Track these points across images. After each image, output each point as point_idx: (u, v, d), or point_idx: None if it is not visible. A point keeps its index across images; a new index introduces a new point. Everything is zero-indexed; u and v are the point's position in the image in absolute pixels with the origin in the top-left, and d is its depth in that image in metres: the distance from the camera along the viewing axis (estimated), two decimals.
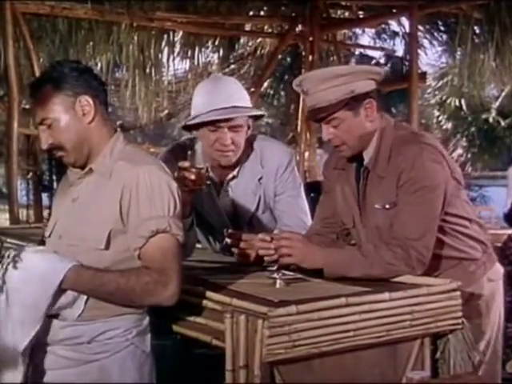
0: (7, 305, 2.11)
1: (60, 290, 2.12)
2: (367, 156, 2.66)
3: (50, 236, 2.35)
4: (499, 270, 2.85)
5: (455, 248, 2.65)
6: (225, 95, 2.88)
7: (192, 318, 2.30)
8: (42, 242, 2.41)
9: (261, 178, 3.00)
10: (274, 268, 2.47)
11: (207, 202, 2.99)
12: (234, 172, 3.00)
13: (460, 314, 2.39)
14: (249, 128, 2.96)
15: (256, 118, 3.03)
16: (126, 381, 2.22)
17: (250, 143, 3.00)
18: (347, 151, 2.66)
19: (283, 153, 3.07)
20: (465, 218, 2.68)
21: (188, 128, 2.99)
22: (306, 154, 8.22)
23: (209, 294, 2.26)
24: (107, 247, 2.19)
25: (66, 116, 2.25)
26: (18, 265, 2.11)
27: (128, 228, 2.19)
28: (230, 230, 2.82)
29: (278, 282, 2.35)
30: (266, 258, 2.62)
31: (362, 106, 2.59)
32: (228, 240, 2.81)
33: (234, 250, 2.78)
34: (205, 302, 2.26)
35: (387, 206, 2.58)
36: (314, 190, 3.18)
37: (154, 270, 2.14)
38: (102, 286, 2.13)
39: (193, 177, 2.65)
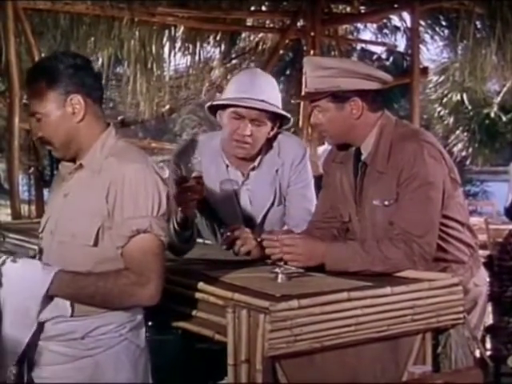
0: None
1: (47, 298, 2.14)
2: (365, 151, 2.67)
3: (42, 231, 2.36)
4: (484, 274, 2.88)
5: (446, 251, 2.66)
6: (258, 88, 2.95)
7: (194, 313, 2.30)
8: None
9: (277, 170, 3.04)
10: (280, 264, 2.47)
11: (223, 196, 3.02)
12: (255, 163, 3.04)
13: (462, 308, 2.39)
14: (272, 129, 3.01)
15: (282, 122, 3.06)
16: (121, 376, 2.23)
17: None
18: (329, 139, 2.81)
19: (299, 146, 3.17)
20: (458, 221, 2.69)
21: (214, 111, 3.04)
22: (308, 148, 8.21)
23: (210, 288, 2.26)
24: (96, 244, 2.19)
25: (56, 113, 2.25)
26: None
27: (113, 226, 2.19)
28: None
29: (280, 276, 2.35)
30: (272, 257, 2.60)
31: (348, 102, 2.61)
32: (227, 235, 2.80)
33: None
34: (206, 296, 2.26)
35: (386, 203, 2.58)
36: (316, 184, 3.19)
37: (131, 271, 2.15)
38: (82, 289, 2.15)
39: (193, 183, 2.66)
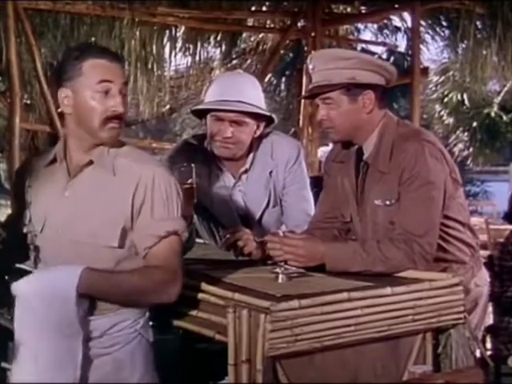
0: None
1: (80, 298, 2.11)
2: (367, 151, 2.67)
3: (41, 231, 2.29)
4: (485, 275, 2.87)
5: (447, 251, 2.66)
6: (235, 89, 2.92)
7: (194, 313, 2.30)
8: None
9: (271, 172, 3.03)
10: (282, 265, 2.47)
11: (218, 198, 3.00)
12: (247, 165, 3.02)
13: (462, 308, 2.39)
14: (258, 128, 2.98)
15: (269, 121, 3.04)
16: (136, 371, 2.25)
17: (260, 137, 3.03)
18: (335, 136, 2.71)
19: (292, 146, 3.13)
20: (459, 222, 2.69)
21: (199, 115, 3.04)
22: (308, 148, 8.20)
23: (211, 288, 2.26)
24: (119, 245, 2.20)
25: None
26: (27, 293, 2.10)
27: (136, 226, 2.20)
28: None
29: (281, 276, 2.35)
30: (276, 258, 2.59)
31: (361, 95, 2.60)
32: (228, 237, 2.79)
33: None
34: (207, 296, 2.26)
35: (388, 203, 2.58)
36: (316, 184, 3.18)
37: (163, 269, 2.16)
38: (117, 287, 2.14)
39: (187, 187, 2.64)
